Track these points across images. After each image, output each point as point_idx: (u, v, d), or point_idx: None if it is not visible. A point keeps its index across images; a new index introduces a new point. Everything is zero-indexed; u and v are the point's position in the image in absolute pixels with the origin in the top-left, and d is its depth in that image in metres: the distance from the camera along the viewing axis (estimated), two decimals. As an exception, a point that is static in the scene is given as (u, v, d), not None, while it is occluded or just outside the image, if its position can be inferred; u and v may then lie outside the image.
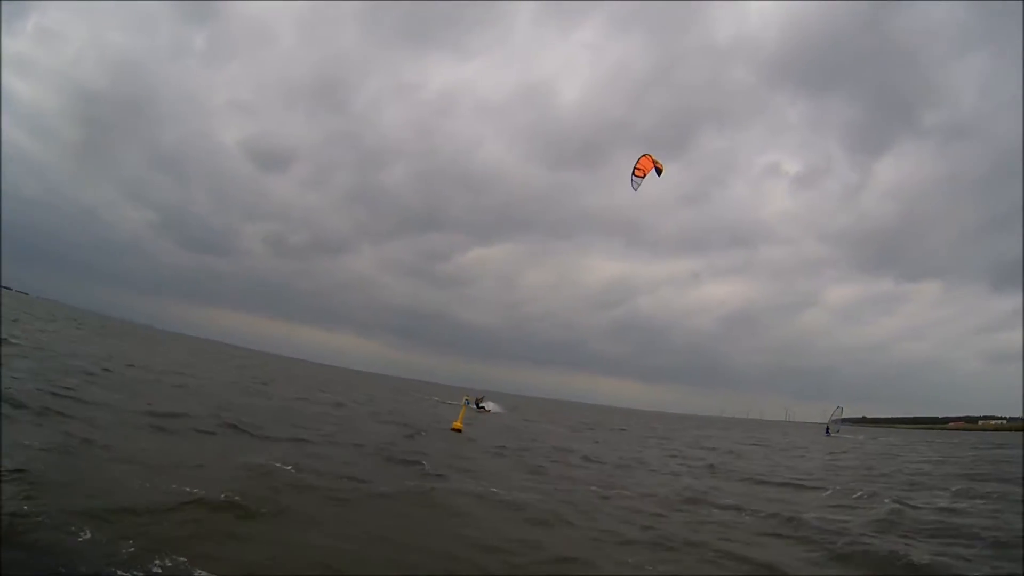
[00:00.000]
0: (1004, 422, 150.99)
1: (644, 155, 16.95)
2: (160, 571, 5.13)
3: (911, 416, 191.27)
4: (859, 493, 13.99)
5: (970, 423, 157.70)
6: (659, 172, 16.98)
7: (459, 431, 21.71)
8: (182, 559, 5.38)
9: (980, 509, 12.13)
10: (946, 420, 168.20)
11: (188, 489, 7.38)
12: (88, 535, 5.55)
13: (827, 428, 57.29)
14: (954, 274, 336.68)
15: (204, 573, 5.24)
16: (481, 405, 38.64)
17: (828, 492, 14.37)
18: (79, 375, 17.22)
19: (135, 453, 9.11)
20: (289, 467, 9.83)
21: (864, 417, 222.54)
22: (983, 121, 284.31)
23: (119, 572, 4.95)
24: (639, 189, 16.75)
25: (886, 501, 12.65)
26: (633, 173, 16.83)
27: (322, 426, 16.81)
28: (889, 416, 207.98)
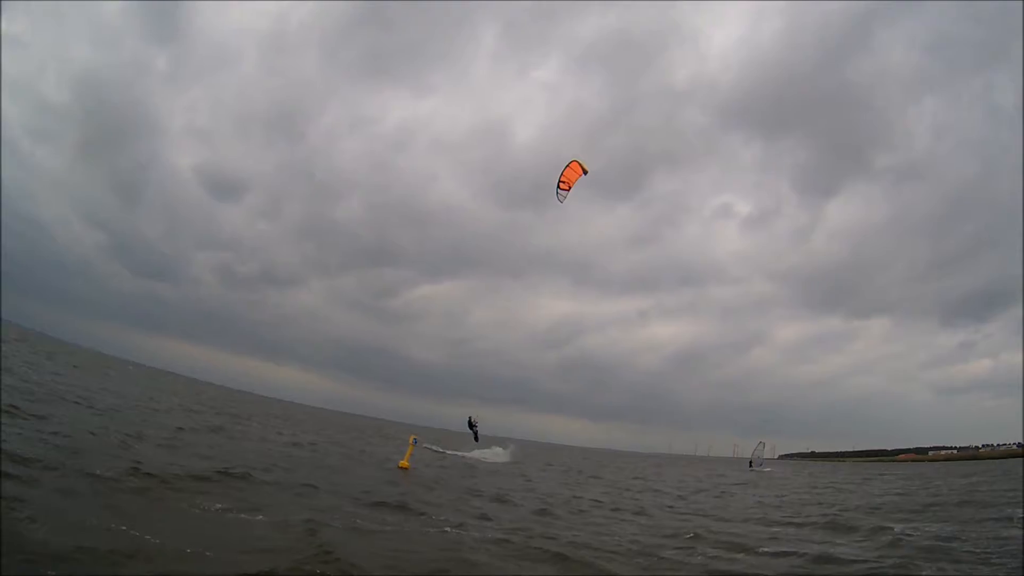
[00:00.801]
0: (955, 452, 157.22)
1: (568, 165, 16.58)
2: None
3: (860, 450, 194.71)
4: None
5: (920, 454, 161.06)
6: (585, 172, 16.72)
7: (406, 469, 21.11)
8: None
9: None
10: (896, 452, 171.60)
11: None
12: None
13: (750, 462, 61.74)
14: (903, 311, 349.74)
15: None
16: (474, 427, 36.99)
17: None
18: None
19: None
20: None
21: (812, 452, 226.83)
22: (934, 162, 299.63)
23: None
24: (564, 202, 16.84)
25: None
26: (558, 186, 16.55)
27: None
28: (837, 450, 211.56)
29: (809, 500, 23.39)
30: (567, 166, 16.60)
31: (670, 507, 19.43)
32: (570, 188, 16.55)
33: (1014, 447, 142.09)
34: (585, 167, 16.56)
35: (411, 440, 24.42)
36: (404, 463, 21.90)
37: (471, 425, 36.73)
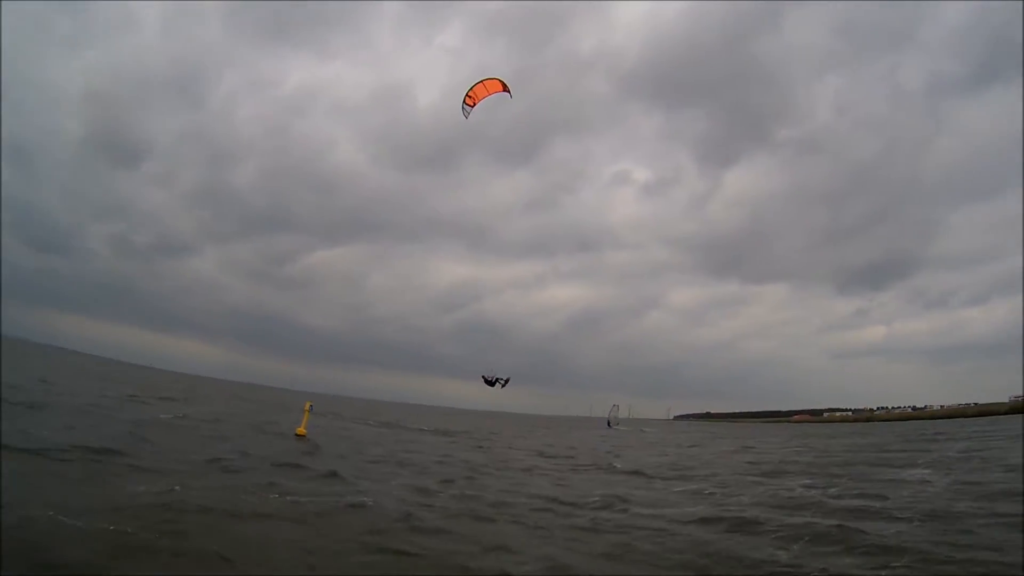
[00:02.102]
0: (849, 414, 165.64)
1: (479, 82, 15.45)
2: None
3: (756, 411, 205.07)
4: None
5: (815, 415, 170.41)
6: (506, 91, 15.52)
7: (303, 436, 20.59)
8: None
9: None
10: (791, 413, 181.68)
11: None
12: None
13: (608, 422, 66.06)
14: (800, 278, 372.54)
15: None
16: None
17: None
18: None
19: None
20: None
21: (708, 412, 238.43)
22: (835, 138, 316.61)
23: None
24: (469, 118, 15.63)
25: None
26: (464, 101, 15.43)
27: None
28: (734, 411, 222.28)
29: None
30: (479, 82, 15.22)
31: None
32: (475, 104, 15.19)
33: (908, 410, 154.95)
34: (507, 87, 15.34)
35: (307, 407, 23.17)
36: (301, 430, 21.08)
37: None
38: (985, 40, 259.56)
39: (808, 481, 16.09)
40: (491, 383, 33.13)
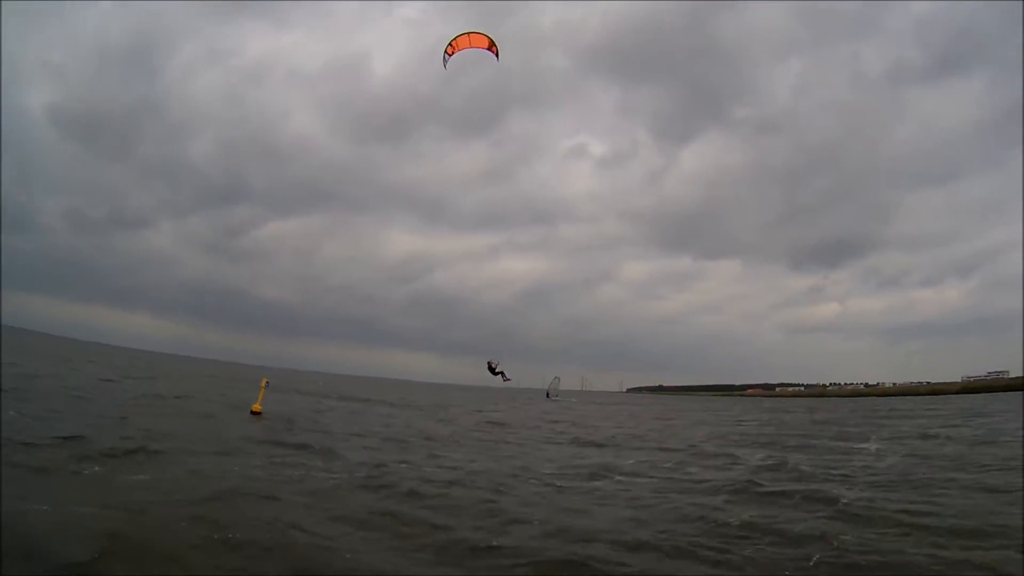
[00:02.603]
0: (802, 389, 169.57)
1: (465, 33, 14.65)
2: None
3: (709, 384, 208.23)
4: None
5: (768, 390, 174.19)
6: (495, 53, 14.65)
7: (258, 414, 20.10)
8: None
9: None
10: (744, 387, 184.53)
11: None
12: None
13: (547, 393, 67.10)
14: (754, 254, 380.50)
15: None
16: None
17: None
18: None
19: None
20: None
21: (660, 385, 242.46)
22: (794, 119, 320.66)
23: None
24: (448, 68, 14.87)
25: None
26: (445, 51, 14.63)
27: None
28: (686, 384, 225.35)
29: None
30: (465, 33, 14.43)
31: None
32: (453, 53, 14.34)
33: (861, 387, 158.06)
34: (495, 46, 14.54)
35: (263, 383, 22.35)
36: (257, 407, 20.44)
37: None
38: (949, 32, 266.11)
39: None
40: (493, 371, 32.23)
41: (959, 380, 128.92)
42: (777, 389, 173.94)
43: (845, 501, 9.64)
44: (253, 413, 20.04)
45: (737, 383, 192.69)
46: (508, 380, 31.05)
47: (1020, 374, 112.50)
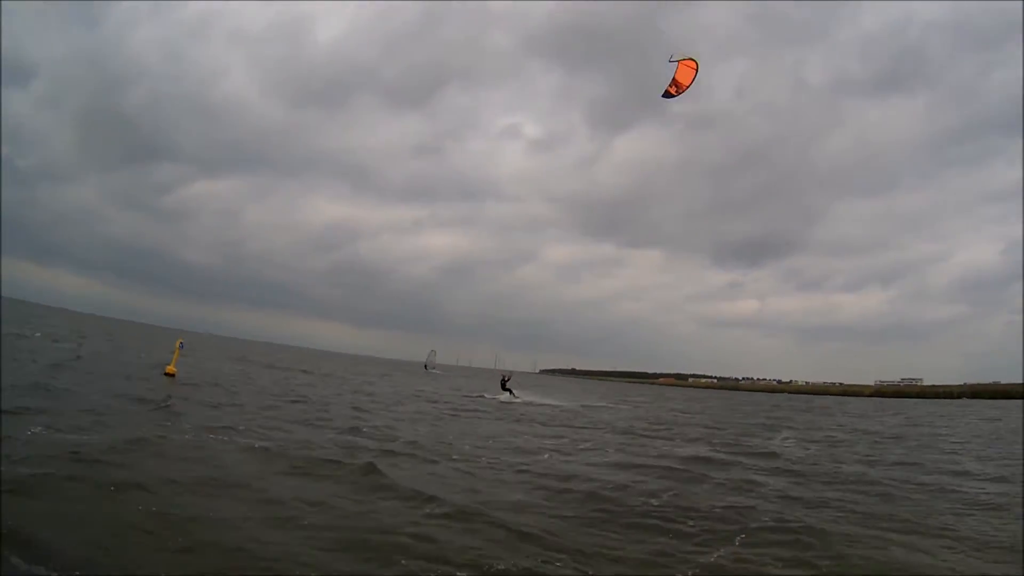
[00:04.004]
0: (715, 381, 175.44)
1: (685, 61, 12.07)
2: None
3: (621, 370, 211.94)
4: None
5: (680, 379, 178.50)
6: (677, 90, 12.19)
7: (172, 375, 20.32)
8: None
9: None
10: (657, 376, 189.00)
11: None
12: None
13: (425, 365, 70.59)
14: (677, 246, 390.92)
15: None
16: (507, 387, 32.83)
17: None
18: None
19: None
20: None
21: (573, 368, 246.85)
22: (730, 118, 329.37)
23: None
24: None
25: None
26: (669, 90, 12.12)
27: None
28: (600, 369, 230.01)
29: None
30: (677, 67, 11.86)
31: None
32: (680, 92, 11.99)
33: (773, 383, 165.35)
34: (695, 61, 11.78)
35: (177, 345, 22.84)
36: (171, 368, 20.78)
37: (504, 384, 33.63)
38: (895, 51, 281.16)
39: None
40: (505, 386, 32.00)
41: (872, 383, 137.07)
42: (690, 379, 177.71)
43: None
44: (166, 375, 20.20)
45: (650, 371, 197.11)
46: (516, 398, 30.94)
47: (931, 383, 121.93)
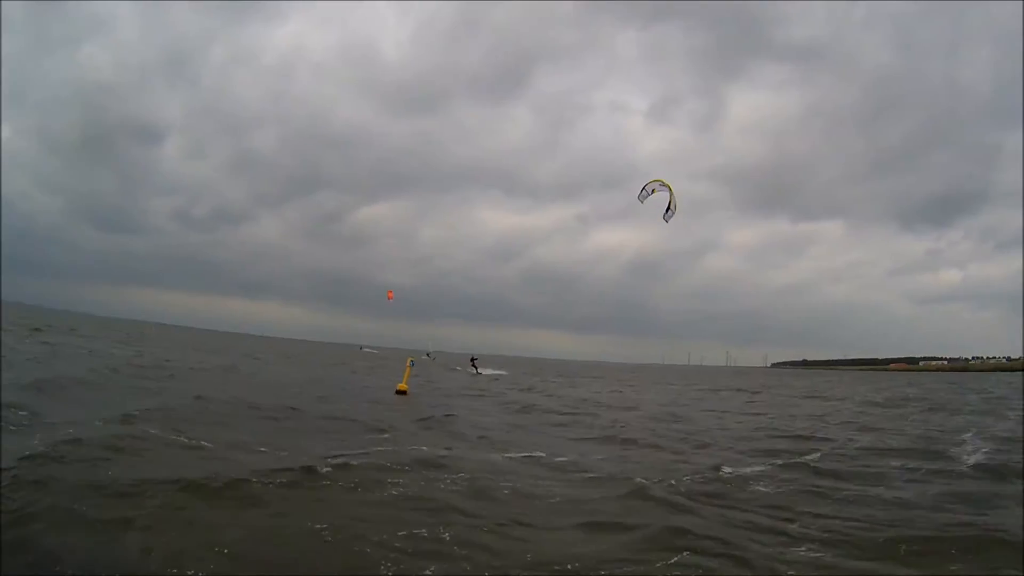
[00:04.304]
0: (945, 363, 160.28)
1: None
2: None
3: (852, 358, 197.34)
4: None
5: (911, 364, 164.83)
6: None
7: (404, 393, 20.01)
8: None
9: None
10: (887, 361, 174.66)
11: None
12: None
13: (428, 354, 72.67)
14: (854, 214, 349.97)
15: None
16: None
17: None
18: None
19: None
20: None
21: (805, 360, 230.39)
22: (839, 44, 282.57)
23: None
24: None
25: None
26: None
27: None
28: (830, 358, 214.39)
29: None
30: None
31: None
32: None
33: (1003, 360, 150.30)
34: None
35: (408, 363, 22.42)
36: (402, 386, 20.43)
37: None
38: None
39: None
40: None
41: None
42: (920, 363, 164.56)
43: None
44: (399, 392, 20.01)
45: (880, 356, 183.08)
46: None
47: None
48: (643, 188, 14.33)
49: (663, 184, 14.30)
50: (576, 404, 20.93)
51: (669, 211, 14.26)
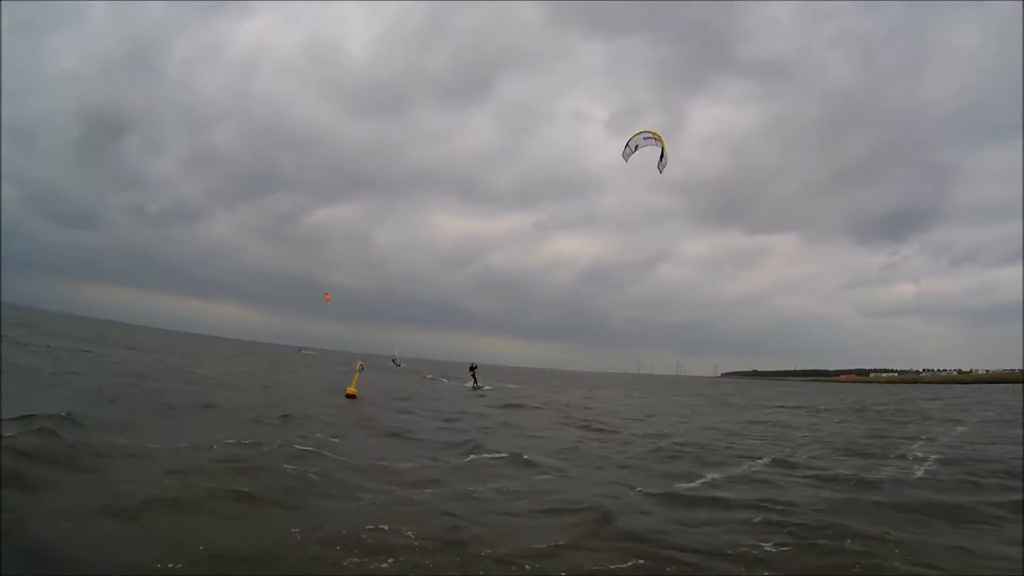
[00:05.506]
0: (896, 375, 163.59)
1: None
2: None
3: (803, 369, 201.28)
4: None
5: (861, 375, 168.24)
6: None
7: (354, 397, 20.01)
8: None
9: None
10: (837, 373, 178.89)
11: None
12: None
13: (393, 360, 70.43)
14: (810, 228, 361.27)
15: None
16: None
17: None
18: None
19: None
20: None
21: (755, 371, 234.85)
22: (805, 59, 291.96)
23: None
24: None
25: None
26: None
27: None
28: (780, 369, 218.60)
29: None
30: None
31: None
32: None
33: (954, 373, 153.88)
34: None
35: (358, 367, 22.43)
36: (352, 390, 20.42)
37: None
38: None
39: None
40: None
41: None
42: (871, 375, 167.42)
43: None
44: (348, 396, 19.97)
45: (830, 368, 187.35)
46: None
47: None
48: (627, 144, 13.58)
49: (650, 135, 13.54)
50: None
51: (662, 161, 13.41)
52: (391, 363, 66.92)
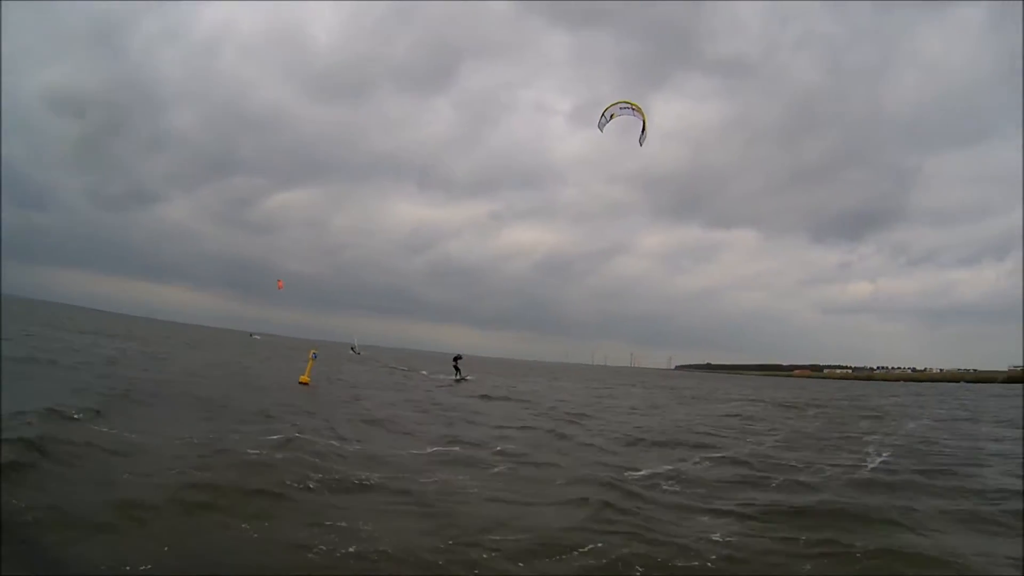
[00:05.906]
0: (850, 371, 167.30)
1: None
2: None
3: (757, 363, 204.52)
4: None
5: (815, 371, 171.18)
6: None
7: (307, 384, 19.40)
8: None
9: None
10: (791, 368, 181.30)
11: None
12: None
13: (352, 348, 70.04)
14: (769, 224, 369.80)
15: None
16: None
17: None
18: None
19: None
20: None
21: (709, 364, 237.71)
22: (770, 60, 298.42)
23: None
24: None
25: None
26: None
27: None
28: (734, 363, 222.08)
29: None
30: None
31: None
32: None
33: (908, 371, 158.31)
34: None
35: (311, 355, 21.54)
36: (305, 379, 19.74)
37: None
38: None
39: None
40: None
41: (1006, 368, 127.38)
42: (825, 371, 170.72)
43: None
44: (301, 384, 19.21)
45: (784, 363, 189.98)
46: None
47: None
48: (602, 115, 13.25)
49: (627, 105, 13.26)
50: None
51: (643, 134, 13.19)
52: (350, 351, 65.33)
